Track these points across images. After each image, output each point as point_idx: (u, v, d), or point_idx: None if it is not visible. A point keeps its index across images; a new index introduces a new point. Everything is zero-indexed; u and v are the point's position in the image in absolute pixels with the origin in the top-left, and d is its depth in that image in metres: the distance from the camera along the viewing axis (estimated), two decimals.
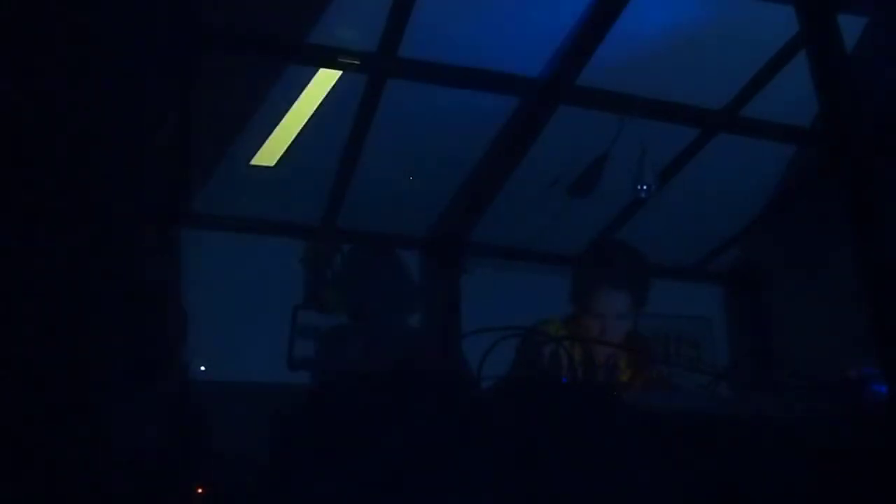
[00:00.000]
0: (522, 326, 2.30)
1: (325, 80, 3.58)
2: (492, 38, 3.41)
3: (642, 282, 2.85)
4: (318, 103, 3.70)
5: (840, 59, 2.43)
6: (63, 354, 1.96)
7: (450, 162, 4.20)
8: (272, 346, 4.16)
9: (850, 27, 3.20)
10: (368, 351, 4.19)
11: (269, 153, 4.03)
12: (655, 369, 2.92)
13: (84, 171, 2.13)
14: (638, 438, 1.76)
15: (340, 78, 3.56)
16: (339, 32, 3.38)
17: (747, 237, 4.89)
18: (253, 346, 4.23)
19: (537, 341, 2.48)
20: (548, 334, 2.55)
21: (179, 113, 3.65)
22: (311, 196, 4.44)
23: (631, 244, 2.96)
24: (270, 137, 3.92)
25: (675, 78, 3.63)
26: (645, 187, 3.56)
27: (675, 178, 4.14)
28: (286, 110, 3.75)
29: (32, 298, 1.94)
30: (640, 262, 2.90)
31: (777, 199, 4.51)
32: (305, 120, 3.79)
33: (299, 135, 3.88)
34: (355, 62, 3.43)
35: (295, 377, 4.16)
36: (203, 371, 4.07)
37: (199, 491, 2.77)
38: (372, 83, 3.56)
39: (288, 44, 3.42)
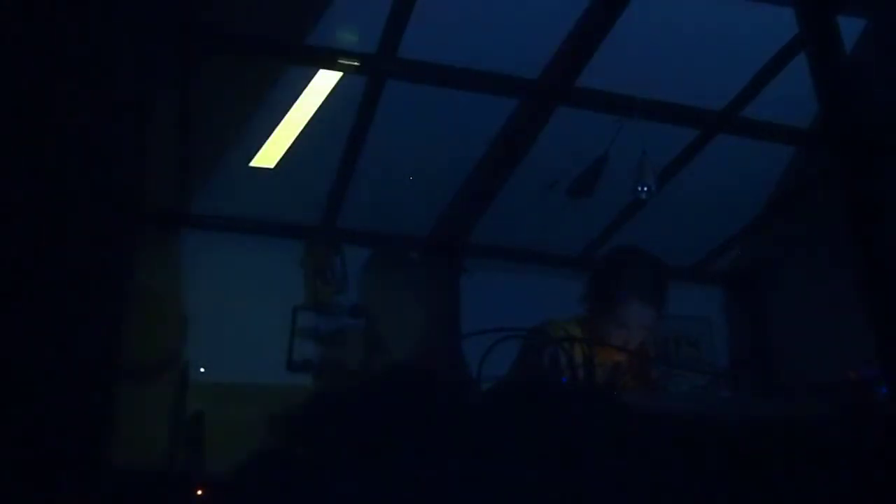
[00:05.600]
0: (523, 328, 2.29)
1: (324, 81, 3.58)
2: (491, 40, 3.40)
3: (667, 296, 2.85)
4: (317, 104, 3.70)
5: (840, 59, 2.43)
6: (62, 354, 1.96)
7: (449, 163, 4.20)
8: (271, 348, 4.16)
9: (850, 27, 3.20)
10: (367, 352, 4.19)
11: (269, 154, 4.03)
12: (655, 375, 2.91)
13: (83, 172, 2.13)
14: (637, 439, 1.76)
15: (340, 79, 3.56)
16: (339, 34, 3.38)
17: (747, 237, 4.90)
18: (252, 347, 4.23)
19: (546, 342, 2.47)
20: (566, 334, 2.52)
21: (179, 114, 3.66)
22: (311, 197, 4.44)
23: (655, 255, 2.92)
24: (270, 139, 3.93)
25: (674, 79, 3.63)
26: (645, 188, 3.55)
27: (675, 178, 4.14)
28: (286, 112, 3.75)
29: (31, 299, 1.94)
30: (667, 276, 2.89)
31: (777, 199, 4.51)
32: (305, 121, 3.79)
33: (299, 136, 3.88)
34: (355, 63, 3.43)
35: (294, 378, 4.16)
36: (203, 372, 4.07)
37: (199, 492, 2.77)
38: (371, 84, 3.57)
39: (288, 45, 3.42)
